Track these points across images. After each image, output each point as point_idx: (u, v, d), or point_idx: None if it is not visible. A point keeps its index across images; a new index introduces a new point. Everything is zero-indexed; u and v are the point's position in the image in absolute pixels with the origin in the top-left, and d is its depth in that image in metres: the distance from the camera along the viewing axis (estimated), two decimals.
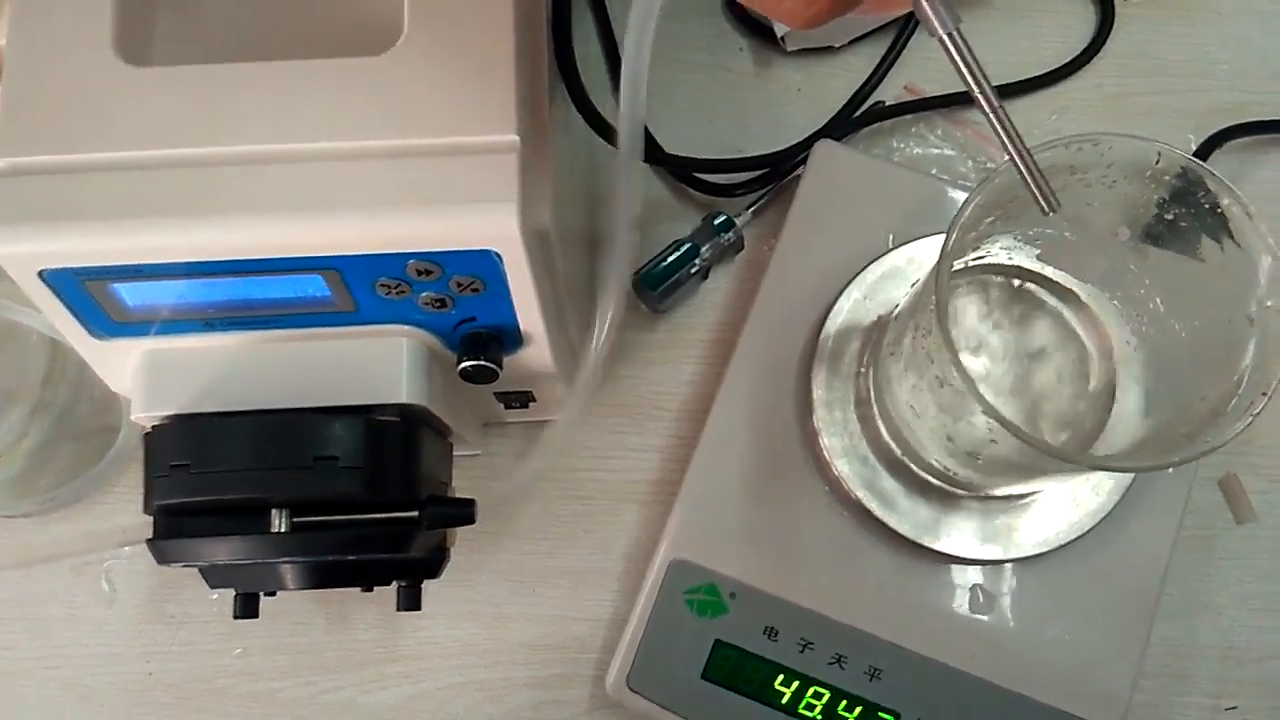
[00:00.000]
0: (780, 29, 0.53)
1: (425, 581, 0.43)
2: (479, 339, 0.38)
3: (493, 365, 0.38)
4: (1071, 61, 0.55)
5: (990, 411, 0.29)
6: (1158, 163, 0.32)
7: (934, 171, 0.52)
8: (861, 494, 0.42)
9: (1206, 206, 0.32)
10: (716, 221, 0.51)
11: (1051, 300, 0.41)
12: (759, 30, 0.55)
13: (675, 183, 0.53)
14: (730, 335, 0.48)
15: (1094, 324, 0.40)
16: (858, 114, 0.54)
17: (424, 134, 0.33)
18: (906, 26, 0.55)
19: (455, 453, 0.47)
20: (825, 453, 0.42)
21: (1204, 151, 0.50)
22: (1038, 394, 0.40)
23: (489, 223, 0.33)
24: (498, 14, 0.35)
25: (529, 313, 0.37)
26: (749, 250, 0.52)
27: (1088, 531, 0.42)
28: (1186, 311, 0.35)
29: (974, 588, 0.42)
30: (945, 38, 0.27)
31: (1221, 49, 0.56)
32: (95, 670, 0.48)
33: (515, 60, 0.34)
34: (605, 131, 0.46)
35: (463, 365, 0.38)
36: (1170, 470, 0.43)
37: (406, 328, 0.38)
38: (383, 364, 0.38)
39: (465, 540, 0.48)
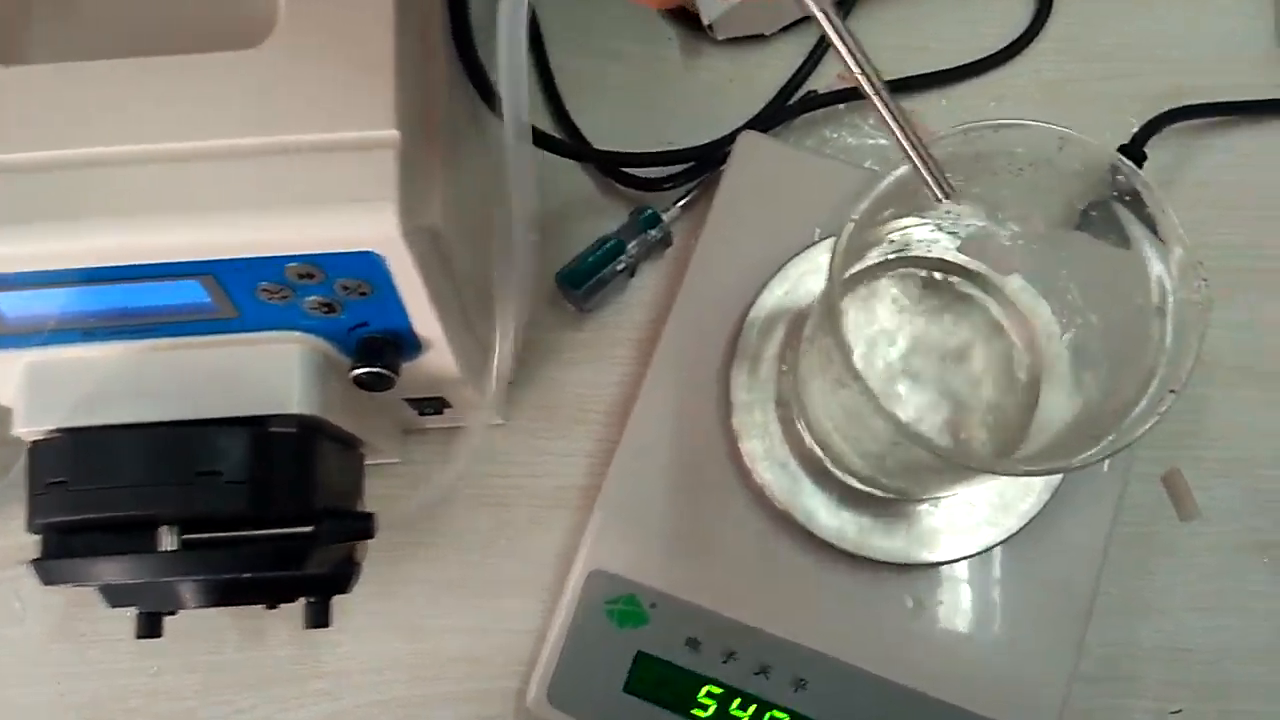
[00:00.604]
0: (706, 16, 0.51)
1: (339, 596, 0.41)
2: (373, 345, 0.36)
3: (388, 372, 0.36)
4: (1009, 46, 0.54)
5: (881, 411, 0.28)
6: (1061, 149, 0.30)
7: (869, 162, 0.51)
8: (782, 498, 0.40)
9: (1116, 194, 0.31)
10: (642, 217, 0.49)
11: (975, 293, 0.39)
12: (688, 19, 0.54)
13: (603, 178, 0.52)
14: (659, 334, 0.47)
15: (1019, 317, 0.39)
16: (790, 103, 0.52)
17: (298, 130, 0.32)
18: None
19: (373, 461, 0.45)
20: (745, 457, 0.41)
21: (1142, 137, 0.48)
22: (961, 392, 0.39)
23: (365, 223, 0.31)
24: (377, 3, 0.33)
25: (423, 317, 0.36)
26: (679, 246, 0.51)
27: (1017, 532, 0.40)
28: (1103, 303, 0.34)
29: (901, 594, 0.41)
30: (819, 15, 0.25)
31: (1168, 31, 0.55)
32: (10, 690, 0.47)
33: (395, 51, 0.33)
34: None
35: (355, 373, 0.36)
36: (1105, 466, 0.42)
37: (298, 334, 0.36)
38: (274, 373, 0.36)
39: (386, 551, 0.47)
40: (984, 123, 0.30)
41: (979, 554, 0.41)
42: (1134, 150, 0.47)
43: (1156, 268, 0.31)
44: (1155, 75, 0.54)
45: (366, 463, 0.45)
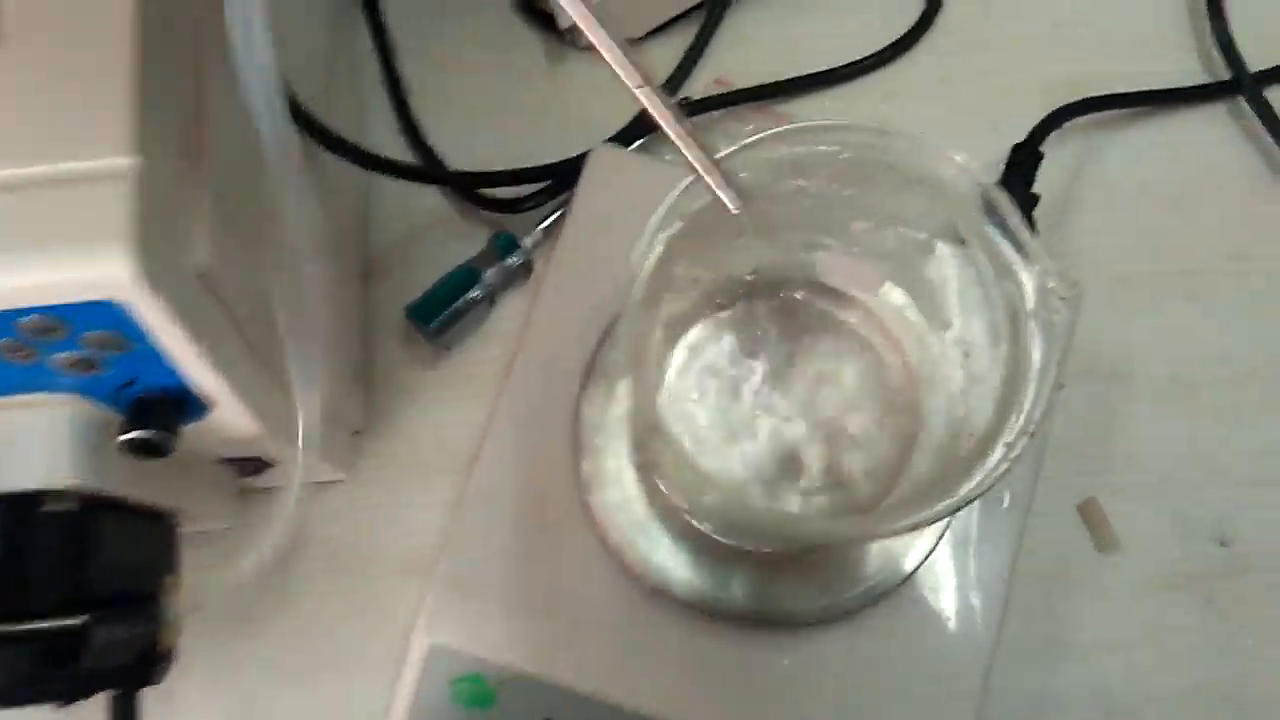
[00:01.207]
0: (563, 21, 0.47)
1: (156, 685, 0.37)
2: (145, 406, 0.32)
3: (161, 437, 0.32)
4: (901, 39, 0.50)
5: (685, 462, 0.24)
6: (898, 152, 0.26)
7: (745, 173, 0.47)
8: (638, 556, 0.36)
9: (978, 204, 0.27)
10: (499, 242, 0.45)
11: (841, 313, 0.35)
12: (550, 24, 0.50)
13: (461, 201, 0.48)
14: None
15: (891, 340, 0.35)
16: None
17: (17, 163, 0.28)
18: (713, 13, 0.50)
19: (205, 526, 0.41)
20: (597, 509, 0.37)
21: (1039, 134, 0.45)
22: (835, 425, 0.35)
23: (91, 268, 0.27)
24: (115, 14, 0.29)
25: (197, 371, 0.31)
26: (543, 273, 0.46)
27: (905, 580, 0.37)
28: (972, 325, 0.30)
29: (778, 656, 0.37)
30: (571, 10, 0.21)
31: (1076, 15, 0.52)
32: None
33: (136, 65, 0.28)
34: (328, 140, 0.40)
35: (121, 438, 0.32)
36: (1005, 501, 0.38)
37: (61, 396, 0.32)
38: (32, 441, 0.32)
39: (217, 628, 0.42)
40: (802, 126, 0.26)
41: (862, 609, 0.37)
42: (1030, 149, 0.44)
43: (1018, 284, 0.27)
44: (1062, 64, 0.50)
45: (194, 529, 0.41)
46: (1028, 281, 0.26)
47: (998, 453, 0.24)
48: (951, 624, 0.38)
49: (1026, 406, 0.25)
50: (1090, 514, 0.44)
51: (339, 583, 0.44)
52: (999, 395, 0.26)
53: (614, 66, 0.23)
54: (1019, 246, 0.26)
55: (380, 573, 0.44)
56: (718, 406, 0.35)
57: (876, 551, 0.37)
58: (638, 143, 0.47)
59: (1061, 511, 0.44)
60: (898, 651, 0.37)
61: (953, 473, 0.27)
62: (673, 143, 0.26)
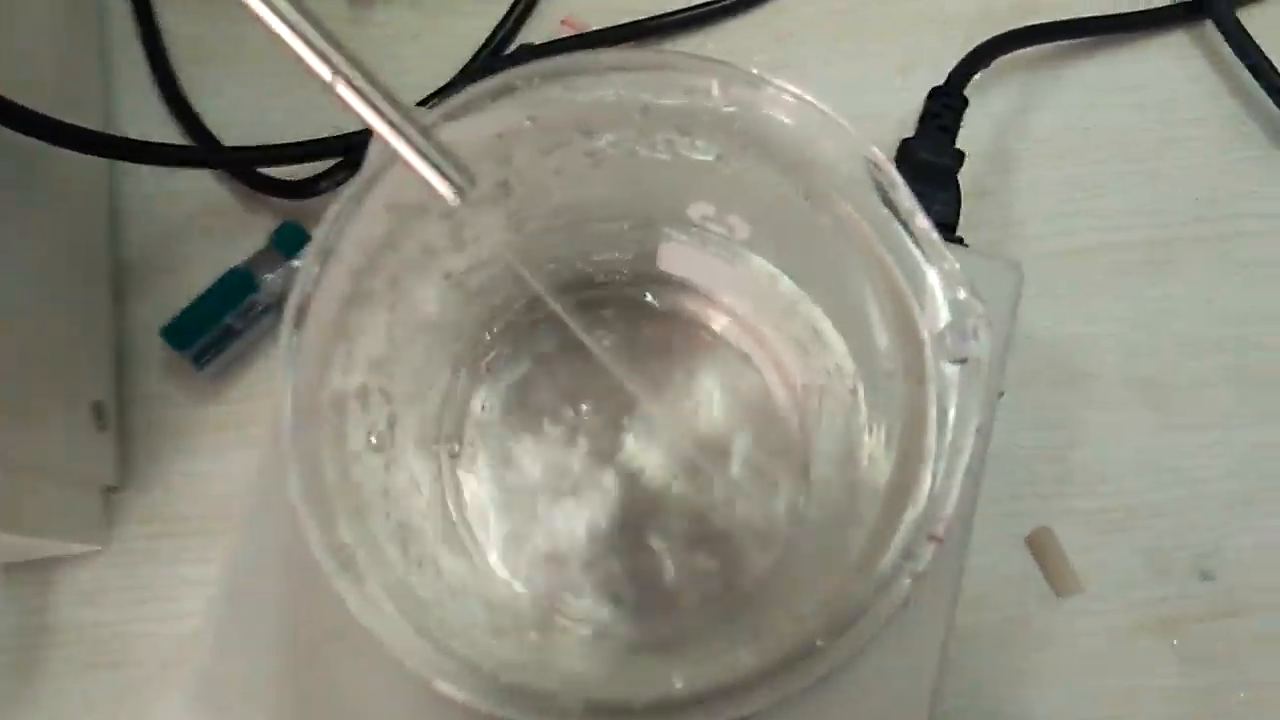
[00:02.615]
0: None
1: None
2: None
3: None
4: None
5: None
6: (725, 106, 0.17)
7: None
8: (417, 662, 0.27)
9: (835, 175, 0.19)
10: (278, 237, 0.36)
11: (709, 322, 0.27)
12: None
13: (240, 185, 0.38)
14: None
15: (773, 358, 0.26)
16: (501, 58, 0.40)
17: None
18: None
19: None
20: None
21: (961, 75, 0.36)
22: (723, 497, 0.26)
23: None
24: None
25: None
26: None
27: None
28: (853, 350, 0.21)
29: None
30: None
31: None
32: None
33: None
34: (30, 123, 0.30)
35: None
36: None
37: None
38: None
39: None
40: (575, 56, 0.17)
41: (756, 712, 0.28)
42: (952, 94, 0.35)
43: (918, 295, 0.18)
44: None
45: None
46: (930, 291, 0.17)
47: (889, 556, 0.16)
48: (874, 713, 0.29)
49: (929, 488, 0.16)
50: (1043, 548, 0.36)
51: (101, 680, 0.35)
52: (891, 466, 0.17)
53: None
54: (914, 239, 0.17)
55: (151, 664, 0.35)
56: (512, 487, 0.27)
57: None
58: None
59: (1006, 546, 0.36)
60: None
61: (839, 565, 0.19)
62: None
